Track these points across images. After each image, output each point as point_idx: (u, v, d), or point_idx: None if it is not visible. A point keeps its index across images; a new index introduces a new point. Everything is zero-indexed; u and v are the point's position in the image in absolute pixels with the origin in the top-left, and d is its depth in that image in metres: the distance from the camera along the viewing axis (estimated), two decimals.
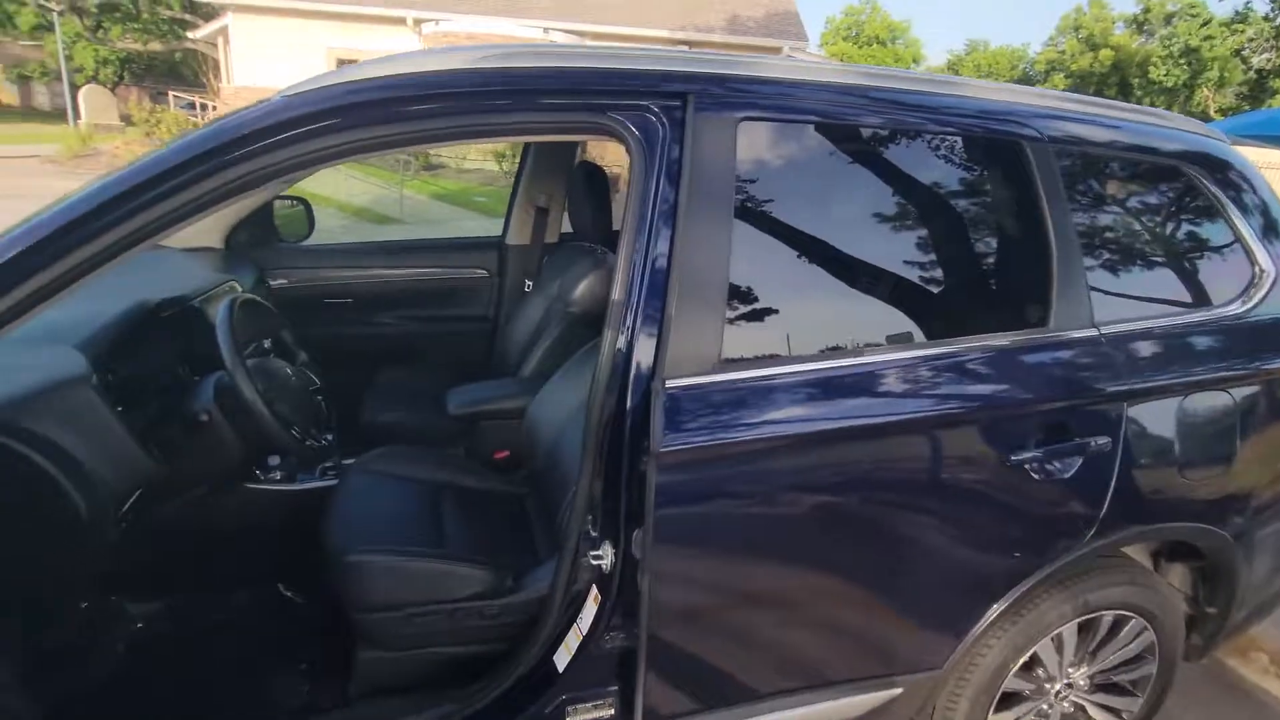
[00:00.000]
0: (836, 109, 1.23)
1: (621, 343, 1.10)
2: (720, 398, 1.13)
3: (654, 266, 1.10)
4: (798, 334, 1.24)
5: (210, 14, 17.18)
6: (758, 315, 1.22)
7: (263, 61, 14.74)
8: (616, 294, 1.12)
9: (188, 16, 21.15)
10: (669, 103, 1.13)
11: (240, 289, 2.03)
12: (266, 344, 1.75)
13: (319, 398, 1.63)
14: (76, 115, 18.11)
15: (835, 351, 1.24)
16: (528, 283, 2.64)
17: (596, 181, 2.25)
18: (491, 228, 2.73)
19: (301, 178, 1.07)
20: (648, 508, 1.07)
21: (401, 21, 14.97)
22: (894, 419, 1.24)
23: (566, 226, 2.67)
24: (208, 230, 2.25)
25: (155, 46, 23.82)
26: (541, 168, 2.62)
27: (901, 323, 1.32)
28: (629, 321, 1.10)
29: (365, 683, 1.41)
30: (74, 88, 19.43)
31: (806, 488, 1.21)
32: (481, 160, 13.11)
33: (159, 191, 0.92)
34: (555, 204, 2.65)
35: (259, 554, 1.81)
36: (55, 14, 20.15)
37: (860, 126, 1.28)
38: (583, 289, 2.15)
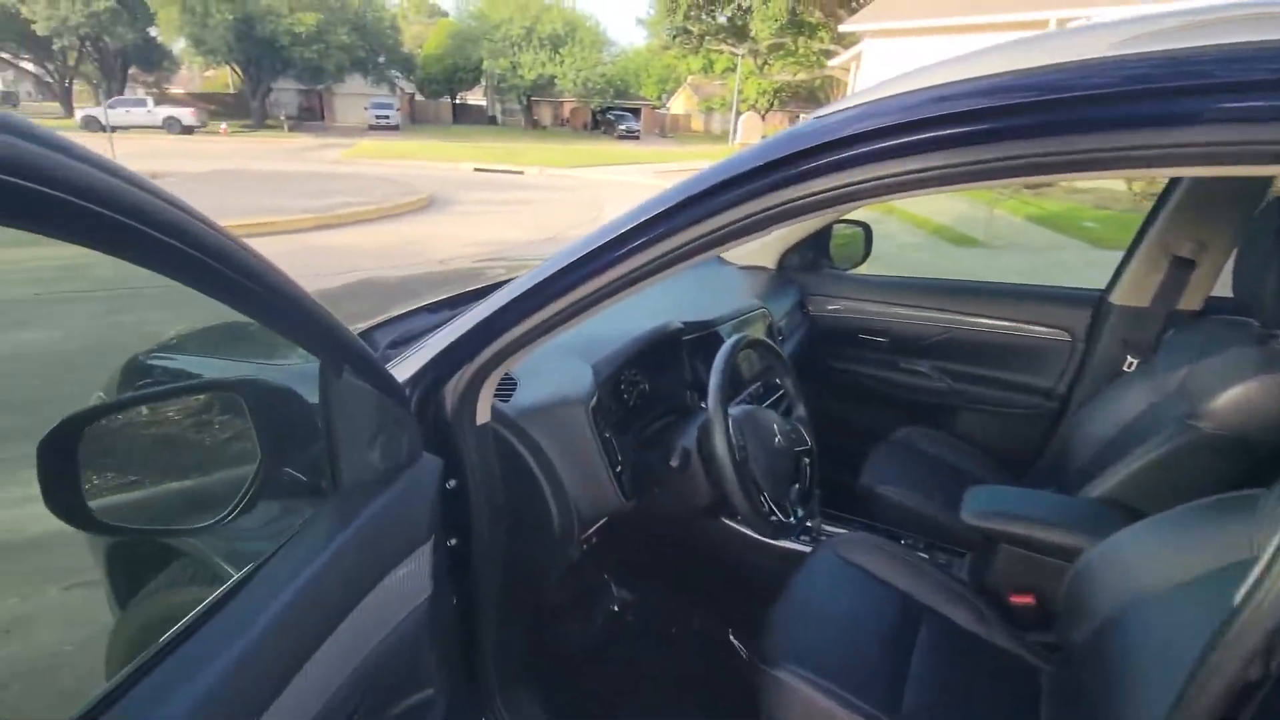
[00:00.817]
0: None
1: None
2: None
3: None
4: None
5: (851, 42, 19.03)
6: None
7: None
8: None
9: (832, 47, 24.04)
10: None
11: (772, 317, 1.98)
12: (780, 381, 1.61)
13: (805, 461, 1.42)
14: (736, 136, 22.84)
15: None
16: (1130, 360, 1.87)
17: None
18: (1097, 262, 2.00)
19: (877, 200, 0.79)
20: None
21: (1042, 25, 13.57)
22: None
23: (1222, 289, 1.77)
24: (763, 249, 2.28)
25: (802, 76, 28.00)
26: (1199, 199, 1.79)
27: None
28: None
29: None
30: (738, 114, 24.47)
31: None
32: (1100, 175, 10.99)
33: (704, 209, 0.79)
34: (1210, 256, 1.78)
35: (719, 590, 1.74)
36: (739, 57, 25.69)
37: None
38: (1234, 397, 1.34)
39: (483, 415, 1.07)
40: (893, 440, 2.03)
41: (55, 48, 28.01)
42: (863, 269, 2.44)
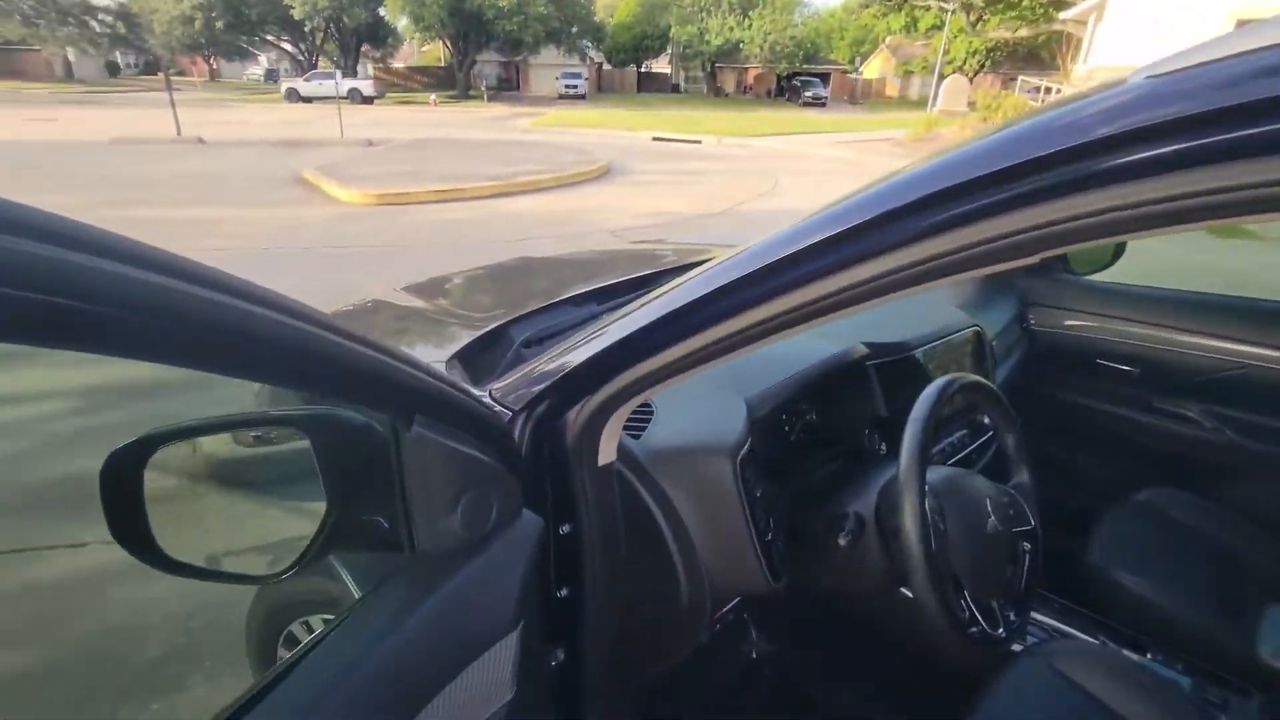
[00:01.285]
0: None
1: None
2: None
3: None
4: None
5: None
6: None
7: (1133, 36, 13.15)
8: None
9: None
10: None
11: (985, 335, 1.57)
12: (997, 435, 1.22)
13: (1024, 546, 1.05)
14: (935, 102, 20.70)
15: None
16: None
17: None
18: None
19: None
20: None
21: None
22: None
23: None
24: None
25: (1023, 33, 24.72)
26: None
27: None
28: None
29: None
30: (941, 78, 22.12)
31: None
32: None
33: (907, 230, 0.52)
34: None
35: (882, 664, 1.44)
36: (949, 13, 23.17)
37: None
38: None
39: (606, 455, 0.87)
40: (1135, 504, 1.55)
41: (306, 29, 32.29)
42: (1108, 274, 1.92)
